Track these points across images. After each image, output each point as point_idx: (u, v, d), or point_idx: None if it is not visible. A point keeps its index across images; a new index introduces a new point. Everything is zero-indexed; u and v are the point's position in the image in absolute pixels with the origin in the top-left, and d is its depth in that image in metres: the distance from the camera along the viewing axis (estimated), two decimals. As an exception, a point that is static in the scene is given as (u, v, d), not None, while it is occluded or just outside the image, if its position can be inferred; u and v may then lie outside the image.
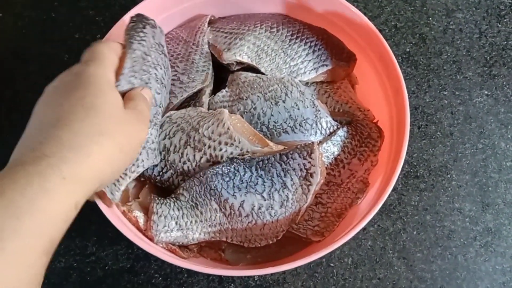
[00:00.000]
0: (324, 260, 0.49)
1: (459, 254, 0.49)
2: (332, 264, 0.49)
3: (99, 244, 0.49)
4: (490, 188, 0.52)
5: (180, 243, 0.41)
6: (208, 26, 0.48)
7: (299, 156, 0.39)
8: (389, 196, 0.50)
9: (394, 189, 0.51)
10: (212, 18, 0.49)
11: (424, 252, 0.49)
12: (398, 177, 0.51)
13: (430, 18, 0.59)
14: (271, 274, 0.47)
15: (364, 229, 0.49)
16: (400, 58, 0.57)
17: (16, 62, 0.57)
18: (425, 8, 0.60)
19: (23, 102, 0.55)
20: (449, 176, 0.52)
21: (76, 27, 0.58)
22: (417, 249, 0.49)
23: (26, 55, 0.58)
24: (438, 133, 0.54)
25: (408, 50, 0.58)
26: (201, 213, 0.41)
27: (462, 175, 0.52)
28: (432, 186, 0.52)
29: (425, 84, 0.56)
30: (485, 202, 0.51)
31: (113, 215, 0.39)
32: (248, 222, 0.40)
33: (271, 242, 0.40)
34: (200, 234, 0.41)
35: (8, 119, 0.55)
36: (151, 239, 0.40)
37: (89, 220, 0.49)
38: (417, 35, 0.58)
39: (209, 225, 0.41)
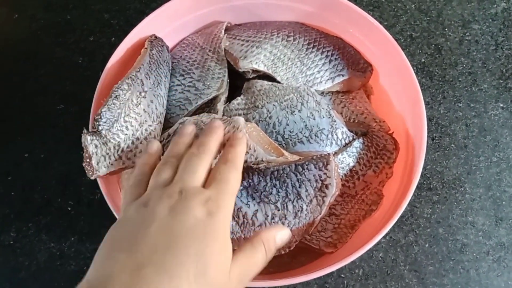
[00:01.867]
0: (335, 270, 0.48)
1: (472, 269, 0.49)
2: (342, 275, 0.48)
3: (110, 248, 0.49)
4: (504, 202, 0.51)
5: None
6: (224, 33, 0.48)
7: (315, 167, 0.39)
8: None
9: None
10: (229, 25, 0.49)
11: (436, 265, 0.49)
12: None
13: (446, 29, 0.59)
14: (281, 281, 0.47)
15: None
16: (415, 68, 0.57)
17: (29, 64, 0.58)
18: (441, 19, 0.59)
19: (34, 104, 0.55)
20: (462, 189, 0.52)
21: (90, 30, 0.59)
22: (429, 262, 0.49)
23: (39, 57, 0.58)
24: (452, 145, 0.54)
25: (423, 60, 0.57)
26: None
27: (476, 188, 0.52)
28: (445, 198, 0.51)
29: (440, 95, 0.56)
30: (499, 216, 0.51)
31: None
32: (261, 232, 0.40)
33: (283, 253, 0.40)
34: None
35: (20, 121, 0.55)
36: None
37: (100, 224, 0.49)
38: (433, 45, 0.58)
39: (222, 234, 0.41)
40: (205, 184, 0.32)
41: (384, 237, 0.49)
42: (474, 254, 0.49)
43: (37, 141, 0.54)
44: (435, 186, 0.52)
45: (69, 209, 0.51)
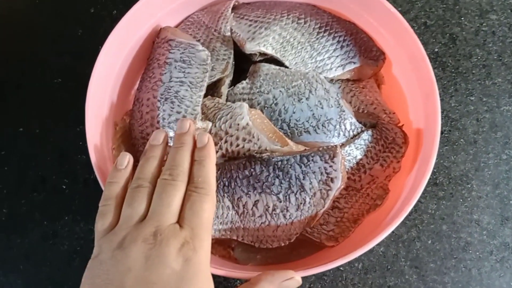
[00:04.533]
0: None
1: (474, 268, 0.48)
2: (341, 268, 0.47)
3: (104, 230, 0.48)
4: (511, 202, 0.50)
5: None
6: (231, 12, 0.45)
7: (321, 159, 0.37)
8: None
9: None
10: (236, 3, 0.46)
11: (438, 262, 0.48)
12: None
13: (462, 18, 0.56)
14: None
15: None
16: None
17: (27, 35, 0.55)
18: (457, 7, 0.57)
19: (31, 77, 0.53)
20: (469, 185, 0.50)
21: (91, 2, 0.56)
22: (431, 259, 0.48)
23: (37, 29, 0.55)
24: (462, 140, 0.52)
25: (436, 50, 0.55)
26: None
27: (483, 185, 0.50)
28: (451, 195, 0.50)
29: (452, 87, 0.54)
30: (505, 215, 0.50)
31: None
32: (261, 223, 0.39)
33: (283, 244, 0.39)
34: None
35: (14, 93, 0.53)
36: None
37: (95, 205, 0.47)
38: (447, 35, 0.56)
39: (221, 223, 0.40)
40: (179, 216, 0.31)
41: None
42: (477, 253, 0.48)
43: (33, 115, 0.52)
44: (441, 182, 0.50)
45: (64, 187, 0.49)
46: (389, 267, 0.48)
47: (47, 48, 0.54)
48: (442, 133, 0.52)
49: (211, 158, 0.34)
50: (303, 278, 0.46)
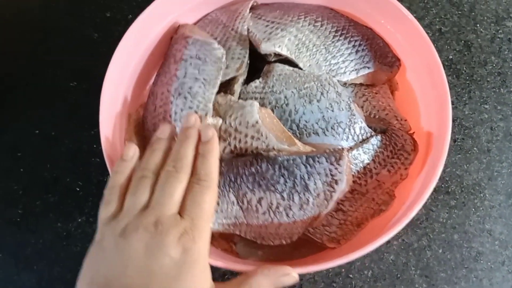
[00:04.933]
0: (343, 270, 0.47)
1: (485, 278, 0.47)
2: (351, 275, 0.47)
3: (116, 233, 0.48)
4: None
5: None
6: (249, 12, 0.46)
7: (326, 161, 0.38)
8: None
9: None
10: (255, 3, 0.47)
11: (448, 272, 0.47)
12: None
13: (478, 25, 0.55)
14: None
15: (387, 242, 0.47)
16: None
17: (40, 35, 0.55)
18: (473, 14, 0.56)
19: (45, 78, 0.53)
20: (482, 195, 0.50)
21: (107, 5, 0.56)
22: (441, 269, 0.47)
23: (51, 29, 0.55)
24: (475, 148, 0.51)
25: (451, 57, 0.54)
26: (218, 204, 0.40)
27: (496, 195, 0.50)
28: (463, 204, 0.49)
29: (466, 95, 0.53)
30: None
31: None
32: (264, 220, 0.39)
33: (284, 243, 0.39)
34: (214, 224, 0.40)
35: (29, 94, 0.53)
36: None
37: None
38: (462, 41, 0.55)
39: (224, 217, 0.40)
40: (181, 207, 0.32)
41: (396, 239, 0.48)
42: (489, 263, 0.48)
43: (48, 117, 0.52)
44: (453, 190, 0.50)
45: (78, 189, 0.50)
46: (399, 275, 0.47)
47: (62, 50, 0.54)
48: (455, 141, 0.51)
49: (214, 152, 0.34)
50: (312, 284, 0.47)
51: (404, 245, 0.48)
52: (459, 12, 0.56)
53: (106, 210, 0.32)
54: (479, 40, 0.55)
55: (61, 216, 0.49)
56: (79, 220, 0.49)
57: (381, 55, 0.45)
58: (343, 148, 0.37)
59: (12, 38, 0.55)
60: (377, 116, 0.44)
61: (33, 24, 0.56)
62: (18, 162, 0.51)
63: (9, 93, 0.53)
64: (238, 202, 0.40)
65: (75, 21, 0.56)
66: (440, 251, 0.48)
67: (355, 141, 0.41)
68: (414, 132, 0.44)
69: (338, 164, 0.37)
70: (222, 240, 0.43)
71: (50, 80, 0.54)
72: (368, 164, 0.41)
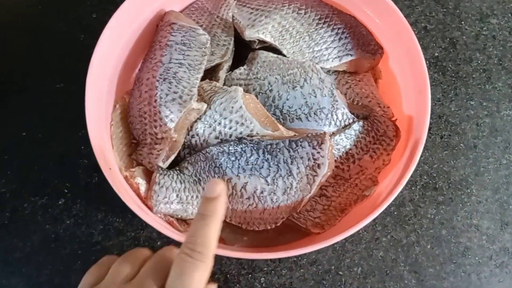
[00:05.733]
0: (333, 267, 0.47)
1: (473, 273, 0.48)
2: (341, 273, 0.47)
3: (105, 234, 0.48)
4: (510, 207, 0.50)
5: (179, 216, 0.41)
6: (234, 0, 0.46)
7: (309, 145, 0.38)
8: (404, 207, 0.49)
9: (410, 200, 0.49)
10: (240, -9, 0.48)
11: (437, 267, 0.48)
12: (416, 187, 0.50)
13: (463, 22, 0.56)
14: (278, 276, 0.47)
15: (376, 239, 0.48)
16: (427, 62, 0.54)
17: (29, 39, 0.55)
18: (458, 11, 0.56)
19: (33, 80, 0.53)
20: (469, 190, 0.50)
21: (94, 6, 0.55)
22: (430, 264, 0.48)
23: (39, 33, 0.55)
24: (461, 144, 0.52)
25: (436, 54, 0.55)
26: (203, 189, 0.41)
27: (483, 190, 0.50)
28: (450, 199, 0.50)
29: (452, 92, 0.54)
30: (504, 220, 0.49)
31: (115, 180, 0.39)
32: (249, 205, 0.40)
33: (269, 228, 0.40)
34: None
35: (17, 97, 0.53)
36: (150, 209, 0.40)
37: (97, 208, 0.48)
38: (447, 39, 0.55)
39: (209, 202, 0.41)
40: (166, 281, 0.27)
41: (385, 236, 0.48)
42: (477, 258, 0.48)
43: (36, 119, 0.51)
44: (440, 186, 0.50)
45: (66, 191, 0.49)
46: (388, 271, 0.47)
47: (49, 52, 0.54)
48: (441, 137, 0.52)
49: (218, 216, 0.28)
50: (302, 282, 0.47)
51: (393, 241, 0.48)
52: (444, 10, 0.56)
53: (89, 276, 0.30)
54: (464, 37, 0.55)
55: (50, 218, 0.48)
56: (68, 222, 0.48)
57: (363, 43, 0.45)
58: (325, 132, 0.38)
59: (4, 42, 0.55)
60: (360, 103, 0.44)
61: (21, 28, 0.55)
62: (6, 165, 0.50)
63: (2, 98, 0.53)
64: (222, 188, 0.40)
65: (63, 24, 0.55)
66: (429, 246, 0.48)
67: (337, 126, 0.42)
68: (396, 119, 0.44)
69: (320, 148, 0.38)
70: (207, 226, 0.43)
71: (39, 82, 0.53)
72: (350, 149, 0.42)
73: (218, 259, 0.48)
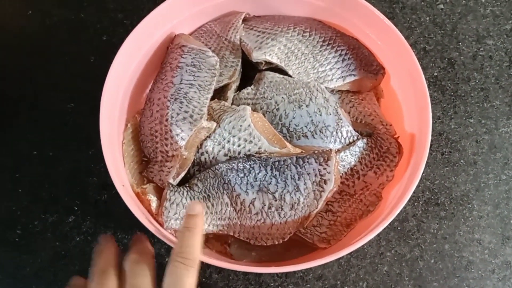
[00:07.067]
0: (339, 282, 0.48)
1: (476, 286, 0.48)
2: (346, 287, 0.48)
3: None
4: (511, 221, 0.51)
5: None
6: (242, 23, 0.48)
7: (315, 161, 0.39)
8: (408, 222, 0.50)
9: (413, 215, 0.50)
10: (247, 15, 0.50)
11: (441, 281, 0.49)
12: (418, 203, 0.51)
13: (460, 43, 0.58)
14: (282, 288, 0.47)
15: (381, 254, 0.49)
16: (427, 81, 0.54)
17: (40, 60, 0.56)
18: (455, 33, 0.58)
19: (44, 100, 0.54)
20: (470, 206, 0.51)
21: (104, 29, 0.57)
22: (434, 278, 0.49)
23: (50, 54, 0.56)
24: (462, 161, 0.53)
25: (435, 74, 0.57)
26: (212, 205, 0.42)
27: (484, 205, 0.51)
28: (452, 214, 0.51)
29: (451, 110, 0.55)
30: (506, 235, 0.50)
31: (127, 196, 0.40)
32: (257, 220, 0.41)
33: (277, 243, 0.41)
34: (209, 225, 0.42)
35: (28, 116, 0.54)
36: (161, 225, 0.41)
37: (106, 225, 0.49)
38: (446, 59, 0.57)
39: (219, 218, 0.42)
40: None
41: (389, 250, 0.49)
42: (480, 272, 0.49)
43: (47, 138, 0.53)
44: (442, 202, 0.51)
45: (76, 208, 0.50)
46: (393, 286, 0.48)
47: (60, 72, 0.55)
48: (442, 154, 0.53)
49: (200, 229, 0.34)
50: None
51: (397, 256, 0.49)
52: (442, 32, 0.58)
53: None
54: (462, 57, 0.57)
55: (60, 235, 0.49)
56: (77, 239, 0.49)
57: (366, 63, 0.47)
58: (331, 149, 0.39)
59: (16, 63, 0.56)
60: (363, 121, 0.46)
61: (32, 49, 0.57)
62: (17, 183, 0.51)
63: (14, 118, 0.54)
64: (231, 204, 0.41)
65: (73, 46, 0.57)
66: (432, 261, 0.49)
67: (342, 143, 0.43)
68: (399, 136, 0.46)
69: (327, 164, 0.39)
70: (217, 242, 0.44)
71: (50, 102, 0.54)
72: (355, 166, 0.43)
73: (225, 275, 0.49)
